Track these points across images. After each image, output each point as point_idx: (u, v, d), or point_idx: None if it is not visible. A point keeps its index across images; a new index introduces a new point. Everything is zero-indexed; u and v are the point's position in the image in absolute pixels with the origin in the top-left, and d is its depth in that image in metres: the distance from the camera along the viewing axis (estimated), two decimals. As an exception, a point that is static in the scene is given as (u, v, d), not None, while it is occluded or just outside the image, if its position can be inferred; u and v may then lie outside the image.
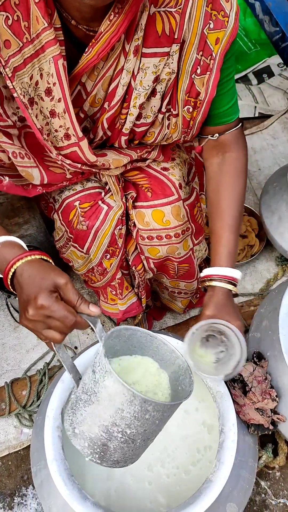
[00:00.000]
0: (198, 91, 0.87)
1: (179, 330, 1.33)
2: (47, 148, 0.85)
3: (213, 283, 0.89)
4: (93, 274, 1.11)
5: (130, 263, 1.10)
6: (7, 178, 0.92)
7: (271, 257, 1.52)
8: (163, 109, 0.89)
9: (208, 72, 0.84)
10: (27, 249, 0.73)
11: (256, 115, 1.89)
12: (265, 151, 1.78)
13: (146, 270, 1.12)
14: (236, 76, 1.96)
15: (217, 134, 0.96)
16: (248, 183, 1.69)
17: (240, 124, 0.99)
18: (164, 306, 1.35)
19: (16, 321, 1.42)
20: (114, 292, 1.14)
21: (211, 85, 0.86)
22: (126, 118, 0.88)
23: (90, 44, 0.76)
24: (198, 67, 0.84)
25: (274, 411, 1.06)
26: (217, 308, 0.87)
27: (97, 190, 1.02)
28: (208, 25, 0.80)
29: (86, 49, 0.77)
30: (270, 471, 1.20)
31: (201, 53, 0.83)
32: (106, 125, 0.89)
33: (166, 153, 1.04)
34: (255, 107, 1.89)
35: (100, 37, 0.75)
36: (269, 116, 1.88)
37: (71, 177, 0.95)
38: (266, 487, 1.18)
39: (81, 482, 0.91)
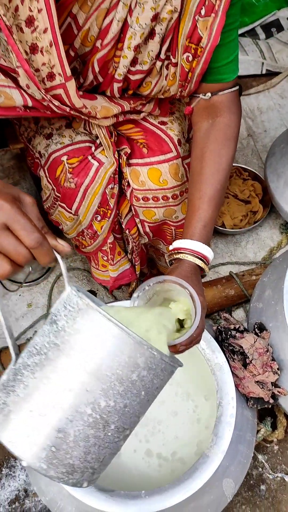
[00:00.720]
0: (200, 36, 0.77)
1: (176, 299, 1.26)
2: (35, 84, 0.73)
3: (180, 256, 0.76)
4: (84, 238, 1.03)
5: (123, 226, 1.02)
6: (19, 100, 0.78)
7: (275, 225, 1.44)
8: (162, 56, 0.80)
9: (213, 14, 0.74)
10: None
11: (264, 72, 1.77)
12: (272, 111, 1.67)
13: (141, 235, 1.05)
14: (243, 30, 1.82)
15: (209, 94, 0.86)
16: (252, 146, 1.60)
17: (238, 87, 0.88)
18: (161, 274, 1.28)
19: (5, 288, 1.35)
20: (105, 258, 1.06)
21: (215, 30, 0.76)
22: (119, 62, 0.78)
23: None
24: (203, 7, 0.74)
25: (275, 384, 1.00)
26: (179, 276, 0.72)
27: (86, 144, 0.93)
28: None
29: None
30: (268, 445, 1.16)
31: None
32: (97, 68, 0.79)
33: (164, 106, 0.95)
34: (263, 63, 1.77)
35: None
36: (277, 74, 1.76)
37: (57, 110, 0.84)
38: (263, 461, 1.14)
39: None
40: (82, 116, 0.83)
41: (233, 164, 1.47)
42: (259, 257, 1.38)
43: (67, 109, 0.79)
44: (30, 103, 0.78)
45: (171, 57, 0.81)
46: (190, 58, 0.80)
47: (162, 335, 0.62)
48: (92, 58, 0.78)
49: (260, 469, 1.14)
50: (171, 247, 0.81)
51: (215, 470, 0.85)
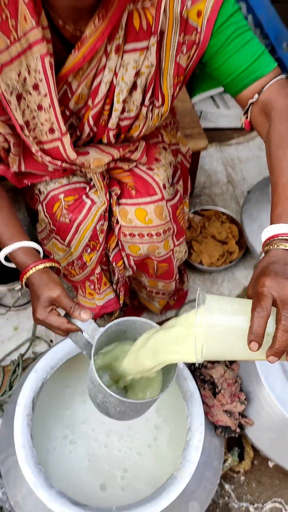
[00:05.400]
0: (183, 67, 0.87)
1: (154, 330, 1.34)
2: (27, 144, 0.88)
3: (277, 245, 0.65)
4: (73, 268, 1.12)
5: (110, 259, 1.11)
6: (14, 166, 0.94)
7: (249, 265, 1.54)
8: (146, 103, 0.90)
9: (195, 46, 0.84)
10: (40, 249, 0.90)
11: None
12: (251, 162, 1.81)
13: (126, 267, 1.13)
14: (227, 87, 1.99)
15: (256, 95, 0.82)
16: (231, 191, 1.72)
17: (283, 76, 0.83)
18: (141, 305, 1.37)
19: (-7, 311, 1.41)
20: (92, 287, 1.15)
21: (194, 58, 0.85)
22: (110, 113, 0.90)
23: (76, 46, 0.78)
24: (184, 46, 0.84)
25: (242, 415, 1.07)
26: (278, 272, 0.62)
27: (82, 185, 1.03)
28: (185, 5, 0.81)
29: (72, 51, 0.79)
30: (235, 475, 1.21)
31: (182, 34, 0.83)
32: (92, 122, 0.91)
33: (150, 155, 1.05)
34: (244, 118, 1.92)
35: (85, 40, 0.78)
36: (256, 128, 1.91)
37: (53, 171, 0.97)
38: (230, 491, 1.19)
39: (46, 470, 0.92)
40: (74, 168, 0.95)
41: (212, 208, 1.60)
42: (234, 295, 1.48)
43: (58, 163, 0.92)
44: (23, 167, 0.95)
45: (155, 101, 0.92)
46: (179, 86, 0.91)
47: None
48: (86, 114, 0.90)
49: (227, 498, 1.19)
50: (266, 235, 0.69)
51: (183, 492, 0.91)
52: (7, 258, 0.91)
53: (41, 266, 0.86)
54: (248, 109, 0.86)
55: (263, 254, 0.69)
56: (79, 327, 0.80)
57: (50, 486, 0.89)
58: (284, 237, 0.67)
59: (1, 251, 0.89)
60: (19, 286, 1.33)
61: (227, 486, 1.20)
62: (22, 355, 1.31)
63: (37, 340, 1.38)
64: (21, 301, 1.42)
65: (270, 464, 1.21)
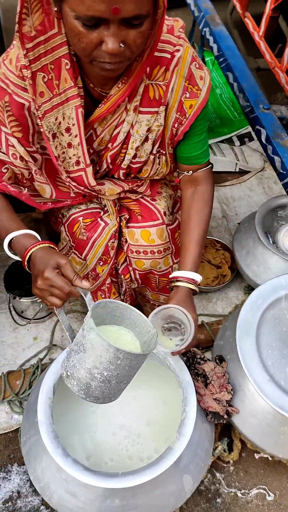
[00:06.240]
0: (174, 135, 1.16)
1: (156, 339, 1.54)
2: (59, 172, 1.13)
3: (178, 283, 1.13)
4: (87, 280, 1.35)
5: (119, 272, 1.34)
6: (26, 190, 1.18)
7: (240, 287, 1.76)
8: (154, 151, 1.16)
9: (182, 125, 1.13)
10: (39, 237, 1.04)
11: (237, 170, 2.18)
12: (242, 200, 2.06)
13: (132, 280, 1.36)
14: (223, 138, 2.30)
15: (191, 171, 1.22)
16: (225, 225, 1.97)
17: (210, 166, 1.24)
18: (145, 318, 1.57)
19: (16, 322, 1.63)
20: (103, 296, 1.37)
21: (179, 132, 1.14)
22: (124, 156, 1.16)
23: (103, 102, 1.05)
24: (176, 123, 1.12)
25: (229, 404, 1.26)
26: (178, 301, 1.10)
27: (97, 210, 1.28)
28: (185, 94, 1.09)
29: (99, 105, 1.06)
30: (225, 465, 1.36)
31: (179, 113, 1.11)
32: (109, 160, 1.17)
33: (153, 189, 1.31)
34: (236, 163, 2.20)
35: (110, 97, 1.04)
36: (247, 172, 2.17)
37: (75, 196, 1.22)
38: (220, 478, 1.35)
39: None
40: (93, 193, 1.20)
41: (209, 237, 1.83)
42: (227, 312, 1.68)
43: (82, 188, 1.17)
44: (54, 196, 1.19)
45: (161, 150, 1.18)
46: (171, 149, 1.18)
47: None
48: (105, 154, 1.16)
49: (217, 485, 1.34)
50: (170, 276, 1.18)
51: (178, 464, 1.08)
52: (12, 253, 1.05)
53: (43, 244, 1.00)
54: (181, 174, 1.24)
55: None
56: (80, 293, 0.91)
57: (67, 455, 1.06)
58: (183, 280, 1.15)
59: (9, 235, 1.03)
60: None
61: (218, 475, 1.35)
62: (41, 359, 1.51)
63: (53, 348, 1.58)
64: (40, 314, 1.63)
65: (256, 456, 1.36)
